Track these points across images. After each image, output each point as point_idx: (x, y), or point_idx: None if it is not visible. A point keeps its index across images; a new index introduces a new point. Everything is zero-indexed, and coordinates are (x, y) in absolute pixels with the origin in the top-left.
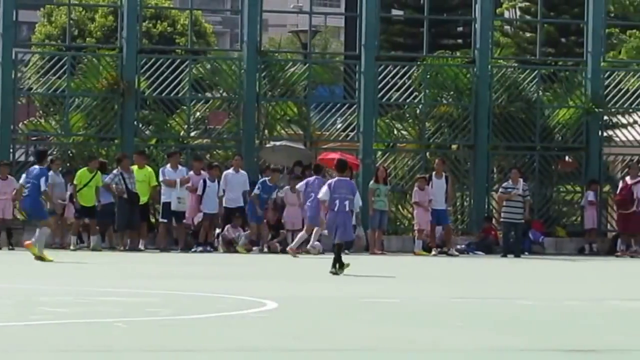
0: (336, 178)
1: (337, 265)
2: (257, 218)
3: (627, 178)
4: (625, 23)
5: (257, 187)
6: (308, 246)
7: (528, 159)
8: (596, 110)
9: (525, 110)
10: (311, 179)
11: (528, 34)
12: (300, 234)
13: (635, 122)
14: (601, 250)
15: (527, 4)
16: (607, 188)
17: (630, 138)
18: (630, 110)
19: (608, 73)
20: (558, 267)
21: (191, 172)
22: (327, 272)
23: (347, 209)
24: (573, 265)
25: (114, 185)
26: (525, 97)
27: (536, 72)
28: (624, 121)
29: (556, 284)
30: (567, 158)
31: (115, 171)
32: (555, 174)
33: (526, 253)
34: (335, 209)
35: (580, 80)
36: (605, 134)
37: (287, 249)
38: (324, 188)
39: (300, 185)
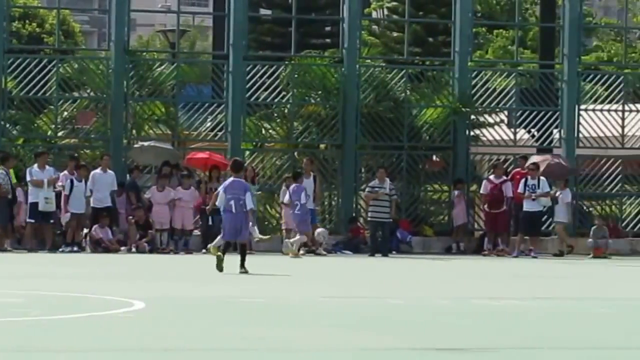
0: (231, 179)
1: (243, 265)
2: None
3: (492, 177)
4: (492, 23)
5: None
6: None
7: (396, 159)
8: (463, 109)
9: (392, 110)
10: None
11: (396, 34)
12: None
13: (502, 121)
14: (468, 249)
15: (394, 3)
16: (473, 187)
17: (497, 137)
18: (497, 109)
19: (475, 72)
20: (426, 266)
21: (65, 172)
22: (209, 272)
23: (243, 209)
24: (441, 264)
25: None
26: (392, 96)
27: (404, 71)
28: (491, 120)
29: (425, 283)
30: (434, 157)
31: (2, 170)
32: (423, 173)
33: (394, 252)
34: (233, 210)
35: (448, 79)
36: (472, 133)
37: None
38: (220, 192)
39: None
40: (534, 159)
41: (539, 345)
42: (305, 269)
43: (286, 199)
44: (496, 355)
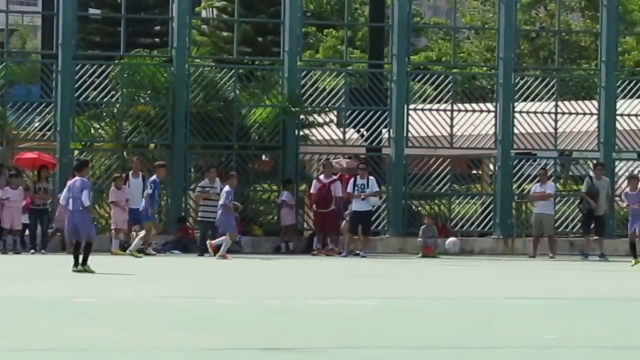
0: (75, 178)
1: (79, 263)
2: None
3: (322, 177)
4: (322, 22)
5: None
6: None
7: (225, 158)
8: (292, 109)
9: (222, 110)
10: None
11: (225, 33)
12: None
13: (332, 121)
14: (297, 249)
15: (224, 3)
16: (303, 187)
17: (327, 137)
18: (327, 109)
19: (304, 72)
20: (256, 266)
21: None
22: (41, 272)
23: (81, 207)
24: (270, 264)
25: None
26: (222, 96)
27: (233, 71)
28: (320, 120)
29: (255, 283)
30: (264, 157)
31: None
32: (253, 173)
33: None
34: (71, 208)
35: (277, 79)
36: (301, 133)
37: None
38: (64, 191)
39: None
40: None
41: (373, 344)
42: (136, 269)
43: (115, 197)
44: (328, 355)
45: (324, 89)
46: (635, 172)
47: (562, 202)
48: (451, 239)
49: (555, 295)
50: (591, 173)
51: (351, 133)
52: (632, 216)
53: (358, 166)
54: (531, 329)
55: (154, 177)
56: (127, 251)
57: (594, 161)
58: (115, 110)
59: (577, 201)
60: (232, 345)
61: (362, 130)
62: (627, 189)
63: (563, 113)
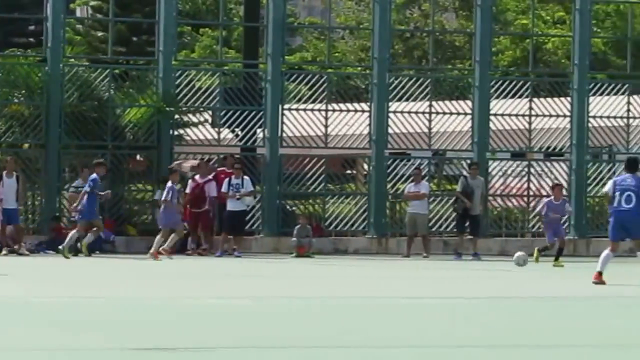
0: None
1: None
2: None
3: (197, 177)
4: (196, 22)
5: None
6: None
7: (100, 158)
8: (167, 109)
9: (96, 109)
10: None
11: (100, 33)
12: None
13: (207, 120)
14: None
15: (98, 2)
16: (178, 187)
17: (201, 137)
18: (201, 109)
19: (180, 72)
20: (130, 265)
21: None
22: None
23: None
24: (145, 264)
25: None
26: (97, 96)
27: (108, 70)
28: (195, 120)
29: (130, 283)
30: (138, 157)
31: None
32: (127, 173)
33: (97, 252)
34: None
35: (152, 79)
36: (176, 132)
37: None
38: None
39: None
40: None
41: (248, 344)
42: (8, 269)
43: None
44: (202, 354)
45: (199, 88)
46: (509, 171)
47: (436, 201)
48: (519, 253)
49: (431, 295)
50: (465, 173)
51: (226, 133)
52: (549, 224)
53: (233, 166)
54: (407, 329)
55: (94, 175)
56: (60, 247)
57: (468, 161)
58: None
59: (452, 201)
60: (109, 345)
61: (236, 130)
62: (551, 198)
63: (437, 113)
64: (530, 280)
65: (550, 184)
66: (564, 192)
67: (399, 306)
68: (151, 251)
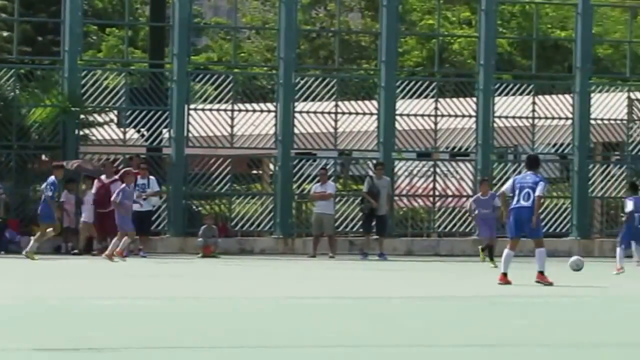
0: None
1: None
2: None
3: (103, 177)
4: (102, 22)
5: None
6: None
7: (5, 158)
8: (72, 109)
9: (1, 109)
10: None
11: (6, 33)
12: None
13: (112, 120)
14: (78, 250)
15: (3, 2)
16: (84, 187)
17: (107, 137)
18: (107, 109)
19: (85, 72)
20: (36, 266)
21: None
22: None
23: None
24: (50, 264)
25: None
26: (2, 96)
27: (13, 70)
28: (101, 120)
29: (36, 283)
30: (43, 157)
31: None
32: (32, 173)
33: (2, 252)
34: None
35: (57, 79)
36: (81, 132)
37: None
38: None
39: None
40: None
41: (154, 345)
42: None
43: None
44: (106, 355)
45: (105, 88)
46: (415, 171)
47: (342, 201)
48: (573, 258)
49: (334, 295)
50: (371, 173)
51: (132, 133)
52: (482, 221)
53: (139, 166)
54: (309, 328)
55: (52, 178)
56: (23, 252)
57: (374, 161)
58: None
59: (358, 200)
60: (7, 345)
61: (142, 130)
62: (479, 194)
63: (343, 113)
64: (432, 280)
65: (456, 184)
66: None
67: (299, 306)
68: (107, 253)
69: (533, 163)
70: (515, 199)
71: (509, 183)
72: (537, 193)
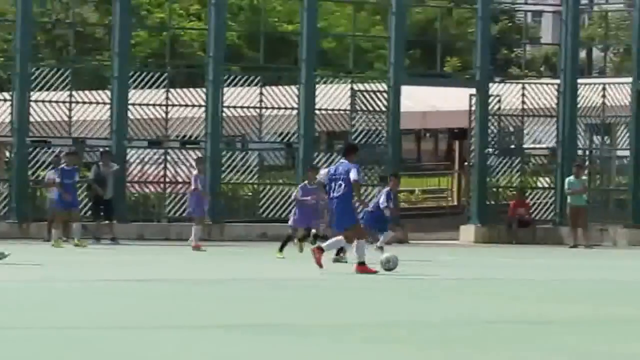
0: None
1: None
2: None
3: None
4: None
5: None
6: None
7: None
8: None
9: None
10: None
11: None
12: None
13: None
14: None
15: None
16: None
17: None
18: None
19: None
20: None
21: None
22: None
23: None
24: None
25: None
26: None
27: None
28: None
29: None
30: None
31: None
32: None
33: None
34: None
35: None
36: None
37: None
38: None
39: None
40: None
41: None
42: None
43: None
44: None
45: None
46: (147, 159)
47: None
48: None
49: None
50: (99, 161)
51: None
52: (302, 209)
53: None
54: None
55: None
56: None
57: (106, 148)
58: None
59: (84, 187)
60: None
61: None
62: (305, 182)
63: (77, 102)
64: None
65: (186, 171)
66: None
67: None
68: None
69: (348, 150)
70: (331, 190)
71: (323, 173)
72: (353, 177)
